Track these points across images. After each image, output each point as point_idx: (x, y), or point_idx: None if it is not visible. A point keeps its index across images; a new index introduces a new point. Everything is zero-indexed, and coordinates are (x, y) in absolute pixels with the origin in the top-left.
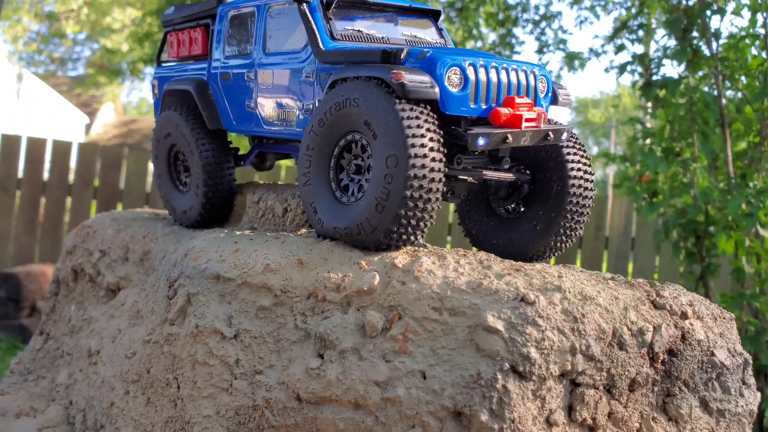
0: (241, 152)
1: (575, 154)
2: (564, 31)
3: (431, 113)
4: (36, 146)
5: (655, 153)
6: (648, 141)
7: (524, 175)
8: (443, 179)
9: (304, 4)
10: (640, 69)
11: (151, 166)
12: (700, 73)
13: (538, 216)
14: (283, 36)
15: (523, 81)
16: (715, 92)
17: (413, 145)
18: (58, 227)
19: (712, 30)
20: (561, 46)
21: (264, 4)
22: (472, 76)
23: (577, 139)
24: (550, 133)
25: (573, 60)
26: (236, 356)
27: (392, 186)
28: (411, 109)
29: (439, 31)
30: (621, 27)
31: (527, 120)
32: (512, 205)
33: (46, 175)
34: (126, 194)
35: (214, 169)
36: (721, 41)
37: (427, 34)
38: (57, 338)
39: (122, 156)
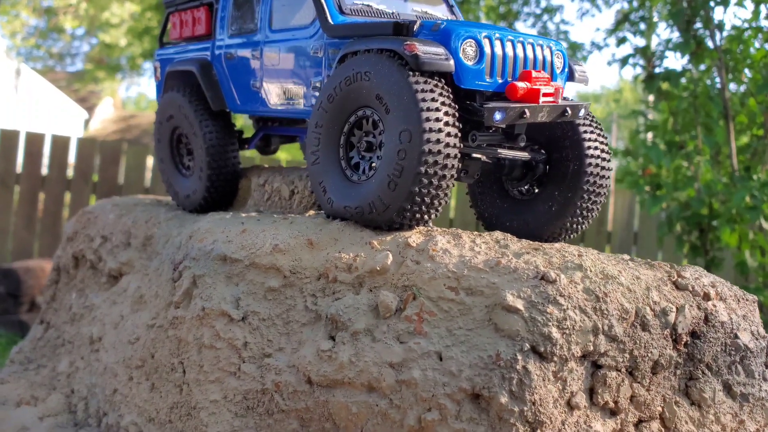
0: (245, 135)
1: (592, 132)
2: (566, 23)
3: (446, 86)
4: (35, 141)
5: (658, 146)
6: (651, 134)
7: (540, 155)
8: (458, 155)
9: None
10: (642, 62)
11: (150, 161)
12: (703, 66)
13: (553, 196)
14: (289, 12)
15: (540, 56)
16: (719, 84)
17: (428, 119)
18: (57, 222)
19: (716, 22)
20: (562, 37)
21: None
22: (488, 48)
23: (594, 117)
24: (567, 108)
25: (575, 51)
26: (244, 339)
27: (406, 162)
28: (425, 82)
29: (450, 8)
30: (623, 19)
31: (545, 95)
32: (527, 186)
33: (45, 170)
34: (125, 189)
35: (218, 151)
36: (725, 33)
37: (437, 10)
38: (58, 327)
39: (121, 151)
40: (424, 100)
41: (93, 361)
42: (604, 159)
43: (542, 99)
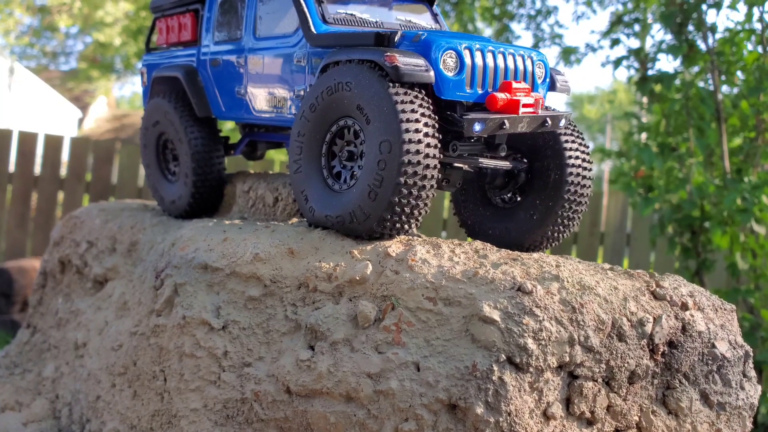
0: (231, 141)
1: (573, 142)
2: (560, 26)
3: (426, 98)
4: (27, 140)
5: (651, 148)
6: (644, 136)
7: (521, 164)
8: (438, 166)
9: None
10: (635, 64)
11: None
12: (696, 68)
13: (535, 205)
14: (273, 20)
15: (521, 66)
16: (711, 87)
17: (407, 131)
18: (50, 222)
19: (708, 24)
20: (557, 41)
21: None
22: (468, 59)
23: (575, 126)
24: (548, 119)
25: (569, 54)
26: (224, 348)
27: (386, 173)
28: (405, 93)
29: (434, 16)
30: (617, 21)
31: (524, 105)
32: (508, 195)
33: (37, 170)
34: (119, 188)
35: (204, 157)
36: (717, 36)
37: (422, 19)
38: (44, 331)
39: (115, 150)
40: (403, 111)
41: (77, 367)
42: (585, 168)
43: (522, 110)
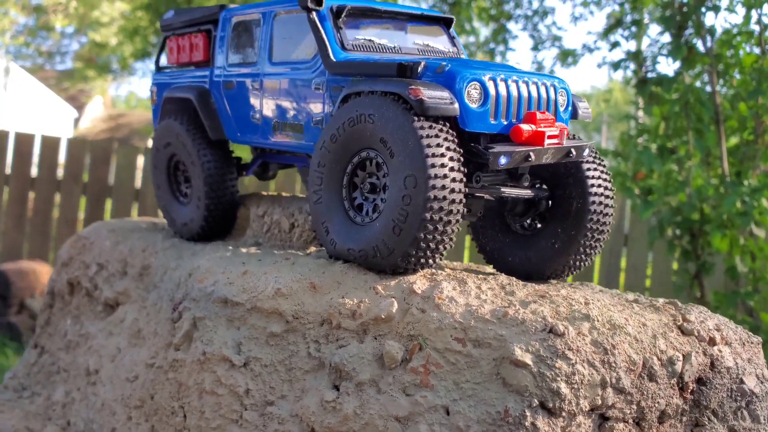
0: (242, 161)
1: (595, 170)
2: (559, 28)
3: (451, 131)
4: (24, 142)
5: (650, 150)
6: (643, 138)
7: (543, 192)
8: (464, 200)
9: (314, 13)
10: (634, 66)
11: (140, 160)
12: (695, 71)
13: (556, 233)
14: (290, 44)
15: (544, 95)
16: (709, 89)
17: (433, 165)
18: (47, 223)
19: (707, 26)
20: (556, 43)
21: (270, 11)
22: (492, 90)
23: (596, 154)
24: (572, 150)
25: (567, 56)
26: (246, 386)
27: (411, 208)
28: (430, 127)
29: (452, 39)
30: (615, 24)
31: (550, 137)
32: (529, 221)
33: (34, 171)
34: (116, 190)
35: (217, 181)
36: (716, 38)
37: (439, 42)
38: (52, 353)
39: (111, 151)
40: (429, 145)
41: (90, 395)
42: (607, 197)
43: (547, 141)
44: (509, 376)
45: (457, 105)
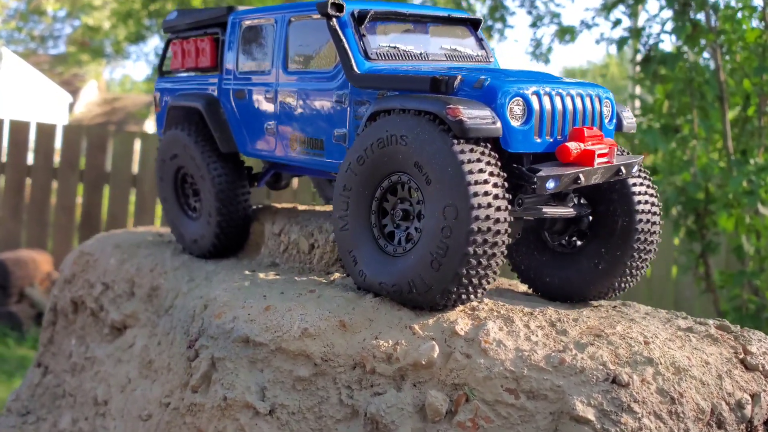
0: (253, 170)
1: (641, 185)
2: (557, 5)
3: (493, 153)
4: (19, 129)
5: (655, 129)
6: (647, 117)
7: (584, 209)
8: (509, 230)
9: (334, 20)
10: (636, 43)
11: (137, 145)
12: (699, 48)
13: (600, 254)
14: (308, 52)
15: (589, 107)
16: (712, 66)
17: (476, 194)
18: (45, 211)
19: (711, 2)
20: (555, 19)
21: (285, 15)
22: (536, 106)
23: (641, 167)
24: (622, 168)
25: (565, 34)
26: None
27: (451, 241)
28: (471, 150)
29: (479, 41)
30: (616, 1)
31: (599, 155)
32: (568, 239)
33: (30, 159)
34: (113, 176)
35: (228, 196)
36: (719, 13)
37: (466, 45)
38: (57, 374)
39: (108, 137)
40: (470, 172)
41: (99, 427)
42: (654, 214)
43: (597, 161)
44: None
45: (499, 124)
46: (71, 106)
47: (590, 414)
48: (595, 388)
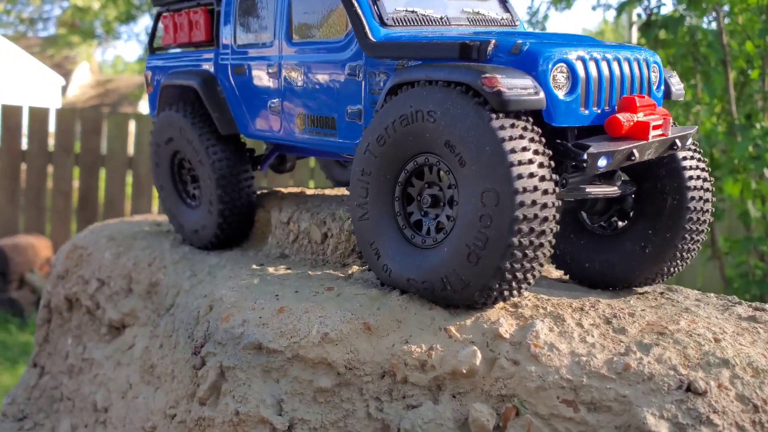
0: (256, 153)
1: (692, 158)
2: None
3: (536, 128)
4: (12, 114)
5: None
6: None
7: (630, 187)
8: (557, 216)
9: None
10: (638, 10)
11: (132, 128)
12: (699, 12)
13: (646, 236)
14: (314, 20)
15: (636, 73)
16: (715, 30)
17: (520, 176)
18: (41, 196)
19: None
20: None
21: None
22: (581, 72)
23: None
24: (677, 141)
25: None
26: None
27: (492, 231)
28: (512, 125)
29: (503, 3)
30: None
31: (654, 127)
32: (609, 220)
33: (24, 144)
34: (109, 159)
35: (230, 182)
36: None
37: (490, 8)
38: (54, 375)
39: (102, 119)
40: (513, 150)
41: None
42: (706, 190)
43: (652, 134)
44: None
45: (542, 94)
46: (64, 89)
47: (663, 428)
48: (667, 397)
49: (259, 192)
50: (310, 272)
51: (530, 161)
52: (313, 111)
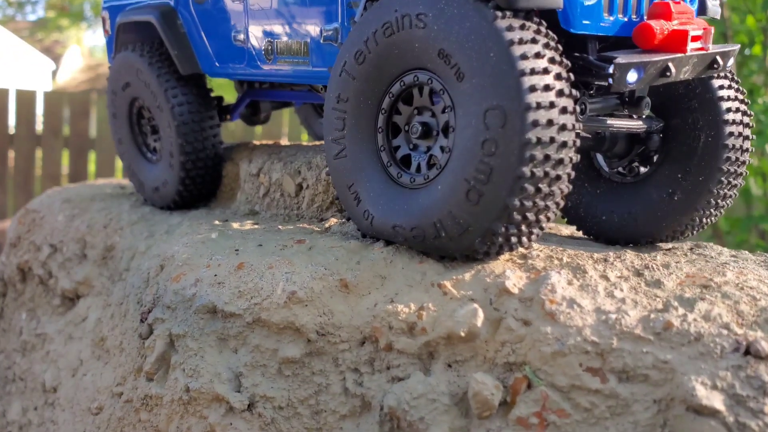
0: (224, 101)
1: (729, 87)
2: None
3: (550, 32)
4: None
5: None
6: None
7: (654, 122)
8: (578, 142)
9: None
10: None
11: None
12: None
13: (675, 181)
14: None
15: None
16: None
17: (532, 89)
18: (30, 181)
19: None
20: None
21: None
22: None
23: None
24: (718, 58)
25: None
26: None
27: (497, 160)
28: (522, 27)
29: None
30: None
31: (693, 39)
32: (630, 164)
33: (12, 128)
34: (98, 142)
35: (193, 129)
36: None
37: None
38: (8, 354)
39: (90, 102)
40: (524, 57)
41: (47, 420)
42: (746, 126)
43: (690, 45)
44: (687, 430)
45: None
46: (54, 74)
47: (717, 401)
48: (720, 362)
49: (228, 145)
50: (279, 227)
51: (545, 70)
52: (283, 36)
